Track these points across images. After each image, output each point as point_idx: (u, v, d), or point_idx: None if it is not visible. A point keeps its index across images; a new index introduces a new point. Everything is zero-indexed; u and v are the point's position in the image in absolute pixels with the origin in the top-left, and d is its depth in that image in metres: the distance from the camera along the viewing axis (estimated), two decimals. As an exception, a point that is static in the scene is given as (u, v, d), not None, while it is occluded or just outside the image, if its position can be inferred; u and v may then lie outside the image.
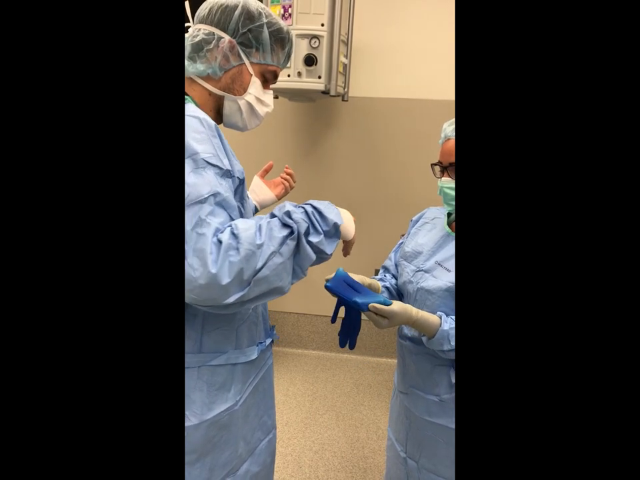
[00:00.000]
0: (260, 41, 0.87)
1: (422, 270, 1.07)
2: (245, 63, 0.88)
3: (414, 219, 1.25)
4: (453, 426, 1.00)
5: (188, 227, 0.68)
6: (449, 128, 1.04)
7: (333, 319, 1.05)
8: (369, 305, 0.92)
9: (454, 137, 1.01)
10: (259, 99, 0.92)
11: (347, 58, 2.32)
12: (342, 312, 1.04)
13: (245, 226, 0.72)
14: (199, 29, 0.87)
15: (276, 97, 2.45)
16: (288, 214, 0.76)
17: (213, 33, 0.86)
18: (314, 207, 0.80)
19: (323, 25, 2.07)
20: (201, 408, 0.85)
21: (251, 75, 0.90)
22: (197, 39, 0.86)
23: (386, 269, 1.27)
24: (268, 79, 0.93)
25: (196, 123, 0.76)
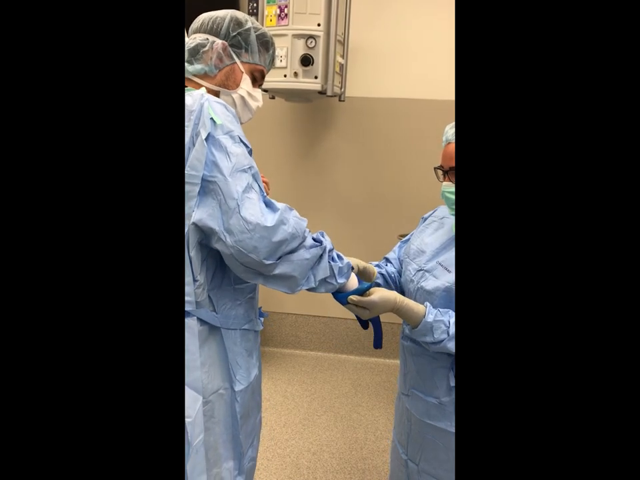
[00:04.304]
0: (248, 42, 1.00)
1: (423, 270, 1.06)
2: (236, 62, 1.00)
3: (425, 215, 1.23)
4: (452, 429, 1.00)
5: (239, 188, 0.80)
6: (450, 131, 1.02)
7: (363, 325, 1.06)
8: (348, 297, 0.93)
9: (454, 141, 0.99)
10: (250, 94, 1.04)
11: (343, 58, 2.32)
12: None
13: (298, 215, 0.87)
14: (194, 37, 1.00)
15: (272, 98, 2.44)
16: (322, 234, 0.93)
17: (207, 38, 0.98)
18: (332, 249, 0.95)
19: (319, 24, 2.07)
20: (245, 372, 0.96)
21: (242, 72, 1.02)
22: (192, 45, 0.98)
23: (387, 260, 1.26)
24: (257, 77, 1.05)
25: (222, 107, 0.87)
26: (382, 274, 1.18)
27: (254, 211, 0.80)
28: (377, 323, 1.03)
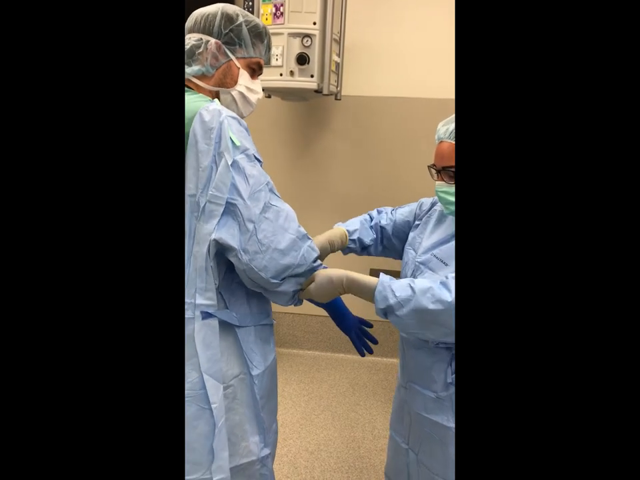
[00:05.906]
0: (241, 37, 1.00)
1: (419, 262, 1.07)
2: (232, 59, 1.01)
3: (433, 200, 1.20)
4: (449, 424, 1.00)
5: (257, 210, 0.87)
6: (442, 129, 1.01)
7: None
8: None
9: (446, 140, 0.99)
10: (249, 88, 1.05)
11: (339, 56, 2.31)
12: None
13: (312, 245, 0.94)
14: (189, 38, 1.00)
15: (268, 96, 2.44)
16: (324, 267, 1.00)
17: (201, 39, 0.99)
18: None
19: (315, 23, 2.07)
20: (261, 357, 1.02)
21: (239, 68, 1.03)
22: (188, 46, 0.99)
23: (379, 213, 1.31)
24: (254, 69, 1.06)
25: (237, 123, 0.89)
26: (353, 240, 1.21)
27: (268, 232, 0.87)
28: (350, 327, 1.08)
